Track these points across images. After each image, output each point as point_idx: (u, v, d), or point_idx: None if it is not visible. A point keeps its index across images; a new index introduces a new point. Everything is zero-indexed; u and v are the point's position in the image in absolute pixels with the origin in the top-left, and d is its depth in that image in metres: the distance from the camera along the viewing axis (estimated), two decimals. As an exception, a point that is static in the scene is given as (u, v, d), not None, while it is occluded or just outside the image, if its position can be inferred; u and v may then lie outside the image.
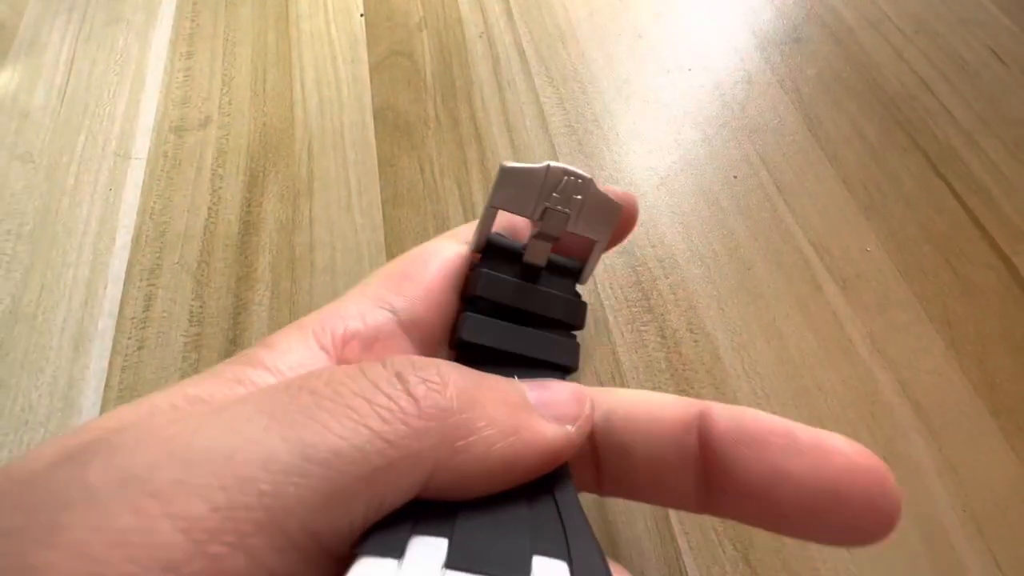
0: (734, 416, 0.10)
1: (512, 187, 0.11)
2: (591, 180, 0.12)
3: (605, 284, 0.24)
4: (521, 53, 0.32)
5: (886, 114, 0.29)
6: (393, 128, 0.30)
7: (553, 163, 0.12)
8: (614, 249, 0.25)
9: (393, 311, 0.11)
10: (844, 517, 0.08)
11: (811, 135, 0.28)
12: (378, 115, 0.30)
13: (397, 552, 0.07)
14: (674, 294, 0.24)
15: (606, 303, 0.24)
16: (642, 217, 0.26)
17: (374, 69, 0.32)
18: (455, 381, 0.08)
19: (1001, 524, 0.19)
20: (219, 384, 0.09)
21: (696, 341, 0.23)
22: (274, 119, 0.31)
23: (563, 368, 0.12)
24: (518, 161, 0.12)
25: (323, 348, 0.11)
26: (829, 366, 0.22)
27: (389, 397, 0.08)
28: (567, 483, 0.09)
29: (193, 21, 0.36)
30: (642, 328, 0.23)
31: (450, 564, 0.07)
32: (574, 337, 0.13)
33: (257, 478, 0.06)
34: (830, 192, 0.26)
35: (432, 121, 0.30)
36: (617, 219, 0.12)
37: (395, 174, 0.28)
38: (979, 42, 0.31)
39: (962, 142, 0.27)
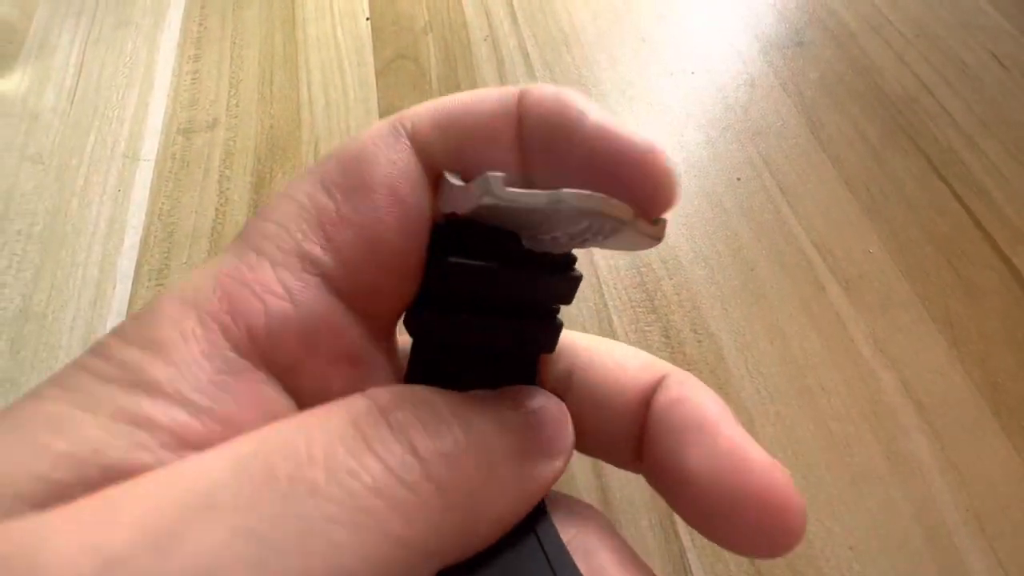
0: (672, 401, 0.09)
1: (486, 213, 0.08)
2: (633, 221, 0.08)
3: (609, 285, 0.24)
4: (525, 56, 0.32)
5: (888, 117, 0.29)
6: (399, 130, 0.30)
7: (566, 192, 0.07)
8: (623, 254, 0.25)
9: (324, 276, 0.08)
10: (746, 528, 0.08)
11: (814, 137, 0.28)
12: (384, 117, 0.31)
13: None
14: (678, 295, 0.24)
15: (610, 304, 0.24)
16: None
17: (380, 72, 0.33)
18: (472, 444, 0.07)
19: (1003, 522, 0.19)
20: (102, 432, 0.06)
21: (700, 341, 0.23)
22: (281, 121, 0.31)
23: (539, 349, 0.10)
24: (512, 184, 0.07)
25: (237, 349, 0.07)
26: (832, 366, 0.22)
27: (410, 488, 0.06)
28: (546, 518, 0.08)
29: (201, 24, 0.36)
30: (646, 328, 0.23)
31: None
32: (554, 316, 0.10)
33: None
34: (833, 194, 0.26)
35: (437, 123, 0.30)
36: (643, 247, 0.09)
37: (401, 175, 0.29)
38: (980, 46, 0.31)
39: (963, 144, 0.28)
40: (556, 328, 0.10)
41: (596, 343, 0.10)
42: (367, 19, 0.35)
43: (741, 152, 0.28)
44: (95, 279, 0.27)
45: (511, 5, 0.35)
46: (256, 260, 0.08)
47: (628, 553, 0.09)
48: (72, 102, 0.33)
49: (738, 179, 0.27)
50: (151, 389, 0.07)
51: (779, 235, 0.25)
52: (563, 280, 0.09)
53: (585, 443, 0.10)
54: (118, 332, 0.07)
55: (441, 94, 0.32)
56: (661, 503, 0.19)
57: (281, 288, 0.07)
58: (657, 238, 0.09)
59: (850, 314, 0.23)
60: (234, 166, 0.30)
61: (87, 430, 0.06)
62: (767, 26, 0.33)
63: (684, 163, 0.28)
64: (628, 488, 0.20)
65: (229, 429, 0.07)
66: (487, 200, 0.07)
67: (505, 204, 0.07)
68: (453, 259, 0.08)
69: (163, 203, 0.29)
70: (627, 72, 0.31)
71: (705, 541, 0.19)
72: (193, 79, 0.33)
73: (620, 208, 0.07)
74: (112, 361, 0.07)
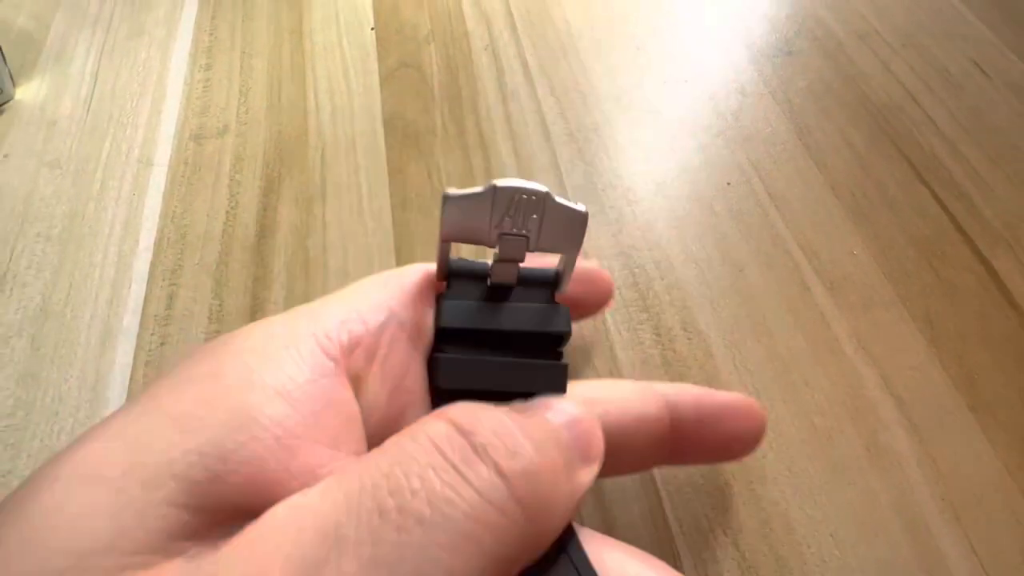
0: (693, 402, 0.12)
1: (460, 217, 0.10)
2: (547, 194, 0.10)
3: (603, 285, 0.25)
4: (524, 65, 0.34)
5: (873, 123, 0.30)
6: (402, 136, 0.31)
7: (500, 182, 0.10)
8: (615, 260, 0.26)
9: (391, 312, 0.11)
10: (739, 446, 0.12)
11: (801, 144, 0.29)
12: (388, 124, 0.32)
13: None
14: (669, 294, 0.25)
15: (604, 303, 0.25)
16: (639, 221, 0.27)
17: (384, 80, 0.34)
18: (542, 458, 0.08)
19: (977, 512, 0.20)
20: (224, 428, 0.08)
21: (690, 339, 0.24)
22: (289, 128, 0.32)
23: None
24: (468, 187, 0.10)
25: (330, 357, 0.09)
26: (816, 363, 0.23)
27: (500, 510, 0.07)
28: (574, 537, 0.09)
29: (211, 35, 0.37)
30: (638, 327, 0.24)
31: None
32: (560, 356, 0.12)
33: None
34: (819, 198, 0.27)
35: (439, 130, 0.31)
36: (584, 227, 0.11)
37: (404, 180, 0.30)
38: (963, 55, 0.32)
39: (945, 151, 0.29)
40: (560, 367, 0.12)
41: (599, 385, 0.13)
42: (372, 29, 0.37)
43: (731, 158, 0.29)
44: (111, 279, 0.28)
45: (511, 16, 0.36)
46: (335, 303, 0.11)
47: (633, 548, 0.11)
48: (88, 109, 0.34)
49: (728, 184, 0.28)
50: (262, 390, 0.08)
51: (767, 238, 0.26)
52: (545, 302, 0.12)
53: (615, 467, 0.12)
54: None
55: (443, 101, 0.33)
56: (651, 492, 0.20)
57: (356, 316, 0.10)
58: (581, 211, 0.11)
59: (834, 313, 0.24)
60: (244, 171, 0.31)
61: (212, 427, 0.08)
62: (758, 36, 0.34)
63: (676, 168, 0.29)
64: (620, 478, 0.21)
65: (319, 423, 0.09)
66: (451, 192, 0.10)
67: (462, 195, 0.11)
68: (447, 299, 0.12)
69: (176, 206, 0.30)
70: (623, 80, 0.33)
71: (693, 528, 0.20)
72: (204, 87, 0.35)
73: (536, 185, 0.10)
74: (217, 355, 0.09)
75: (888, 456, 0.21)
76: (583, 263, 0.12)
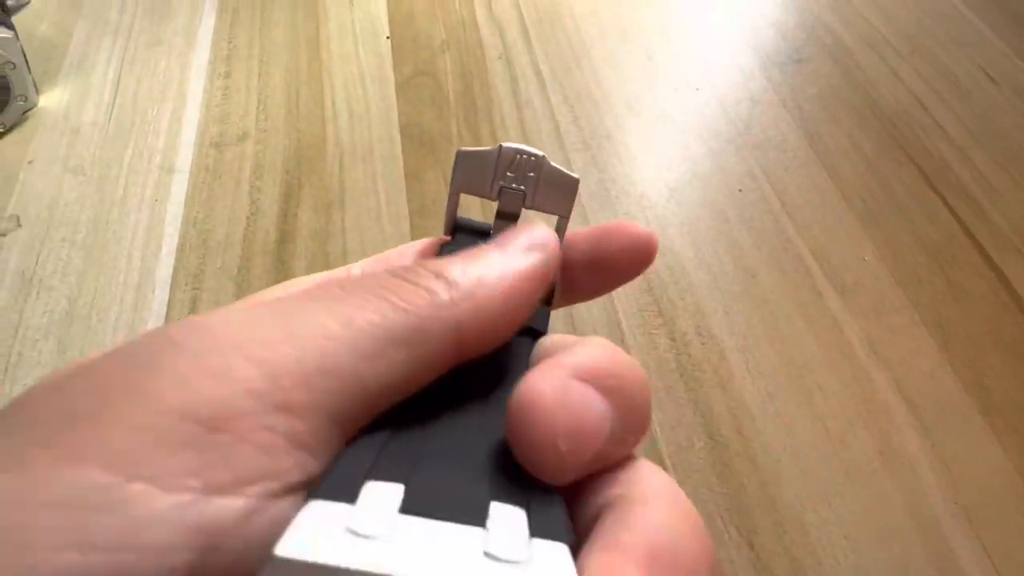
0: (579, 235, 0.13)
1: (469, 170, 0.12)
2: (543, 157, 0.12)
3: (618, 291, 0.26)
4: (538, 73, 0.34)
5: (882, 130, 0.30)
6: (419, 144, 0.32)
7: (505, 144, 0.12)
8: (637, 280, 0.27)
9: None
10: (628, 262, 0.12)
11: (811, 150, 0.30)
12: (404, 131, 0.33)
13: (350, 496, 0.07)
14: (683, 299, 0.25)
15: (619, 308, 0.25)
16: (652, 227, 0.28)
17: (400, 88, 0.34)
18: (469, 273, 0.09)
19: (988, 513, 0.20)
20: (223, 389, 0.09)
21: (704, 343, 0.24)
22: (307, 135, 0.33)
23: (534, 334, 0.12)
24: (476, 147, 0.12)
25: None
26: (829, 367, 0.23)
27: (427, 290, 0.09)
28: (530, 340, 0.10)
29: (230, 43, 0.38)
30: (653, 331, 0.25)
31: (404, 509, 0.06)
32: (546, 308, 0.13)
33: (317, 336, 0.08)
34: (829, 204, 0.28)
35: (455, 137, 0.32)
36: (575, 192, 0.13)
37: (421, 187, 0.30)
38: (971, 62, 0.32)
39: (954, 156, 0.29)
40: (544, 312, 0.12)
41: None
42: (387, 37, 0.37)
43: (742, 164, 0.30)
44: (135, 283, 0.28)
45: (524, 25, 0.37)
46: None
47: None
48: (110, 117, 0.35)
49: (739, 190, 0.29)
50: None
51: (778, 243, 0.27)
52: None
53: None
54: None
55: (458, 109, 0.33)
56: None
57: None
58: (573, 177, 0.12)
59: (846, 318, 0.25)
60: (264, 177, 0.32)
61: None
62: (768, 44, 0.35)
63: (688, 175, 0.29)
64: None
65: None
66: (463, 149, 0.12)
67: (472, 151, 0.12)
68: (448, 247, 0.12)
69: (198, 212, 0.31)
70: (634, 88, 0.33)
71: (707, 527, 0.20)
72: (224, 95, 0.35)
73: (535, 149, 0.12)
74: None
75: (901, 459, 0.21)
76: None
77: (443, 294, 0.09)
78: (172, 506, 0.07)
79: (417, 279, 0.09)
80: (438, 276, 0.09)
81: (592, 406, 0.08)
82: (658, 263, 0.27)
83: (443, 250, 0.13)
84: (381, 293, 0.09)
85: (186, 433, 0.07)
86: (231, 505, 0.07)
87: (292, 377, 0.08)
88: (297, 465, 0.07)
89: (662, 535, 0.08)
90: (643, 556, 0.07)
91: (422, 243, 0.13)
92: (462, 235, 0.13)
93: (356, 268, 0.12)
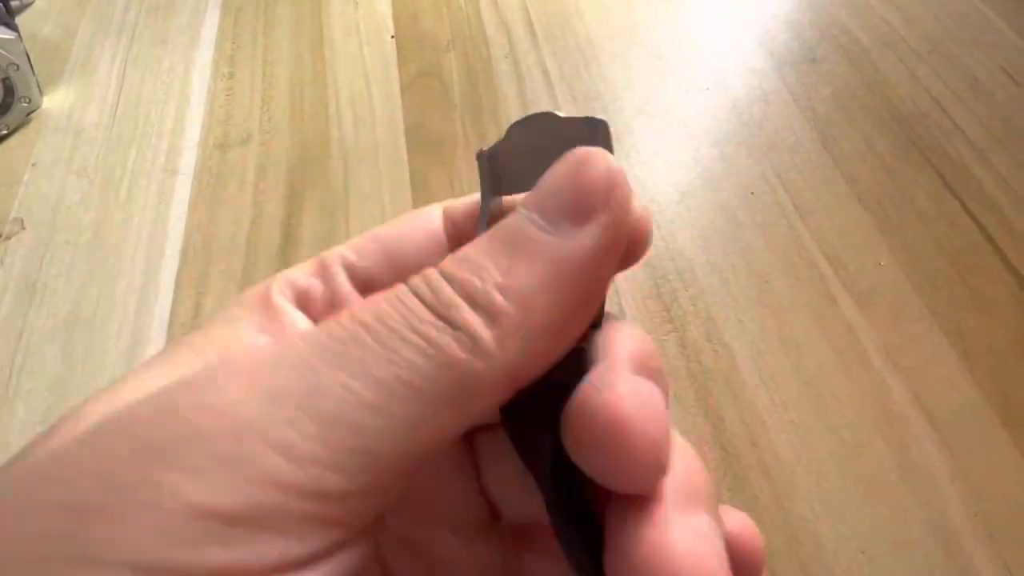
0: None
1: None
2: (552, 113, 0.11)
3: (627, 296, 0.25)
4: (545, 73, 0.34)
5: (900, 132, 0.30)
6: (424, 145, 0.31)
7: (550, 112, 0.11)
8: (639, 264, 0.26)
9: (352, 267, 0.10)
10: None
11: (826, 153, 0.29)
12: (409, 133, 0.32)
13: None
14: (694, 306, 0.25)
15: (628, 314, 0.25)
16: (662, 231, 0.27)
17: (405, 88, 0.34)
18: (517, 288, 0.07)
19: (1011, 529, 0.19)
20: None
21: (715, 351, 0.24)
22: (311, 136, 0.33)
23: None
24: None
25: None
26: (844, 376, 0.23)
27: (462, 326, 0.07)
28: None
29: (233, 43, 0.38)
30: (663, 338, 0.24)
31: None
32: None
33: (342, 407, 0.07)
34: (845, 208, 0.27)
35: (461, 138, 0.31)
36: (609, 138, 0.10)
37: (426, 189, 0.30)
38: (992, 62, 0.32)
39: (974, 160, 0.28)
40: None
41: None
42: (392, 37, 0.37)
43: (755, 167, 0.29)
44: (139, 287, 0.28)
45: (530, 24, 0.36)
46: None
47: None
48: (114, 118, 0.35)
49: (752, 193, 0.28)
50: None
51: (792, 248, 0.26)
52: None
53: None
54: None
55: (464, 110, 0.33)
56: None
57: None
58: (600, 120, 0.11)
59: (862, 326, 0.24)
60: (268, 179, 0.31)
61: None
62: (780, 43, 0.34)
63: (699, 178, 0.29)
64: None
65: None
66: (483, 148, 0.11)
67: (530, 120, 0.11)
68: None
69: (201, 215, 0.30)
70: (644, 89, 0.32)
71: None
72: (227, 96, 0.35)
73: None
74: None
75: (920, 472, 0.21)
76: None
77: (487, 339, 0.07)
78: None
79: (449, 312, 0.07)
80: (474, 304, 0.07)
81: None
82: (668, 268, 0.26)
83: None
84: (410, 340, 0.07)
85: (209, 529, 0.06)
86: None
87: (321, 463, 0.07)
88: (330, 541, 0.07)
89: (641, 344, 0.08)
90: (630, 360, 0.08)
91: (427, 215, 0.11)
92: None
93: (343, 249, 0.11)
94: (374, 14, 0.38)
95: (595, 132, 0.10)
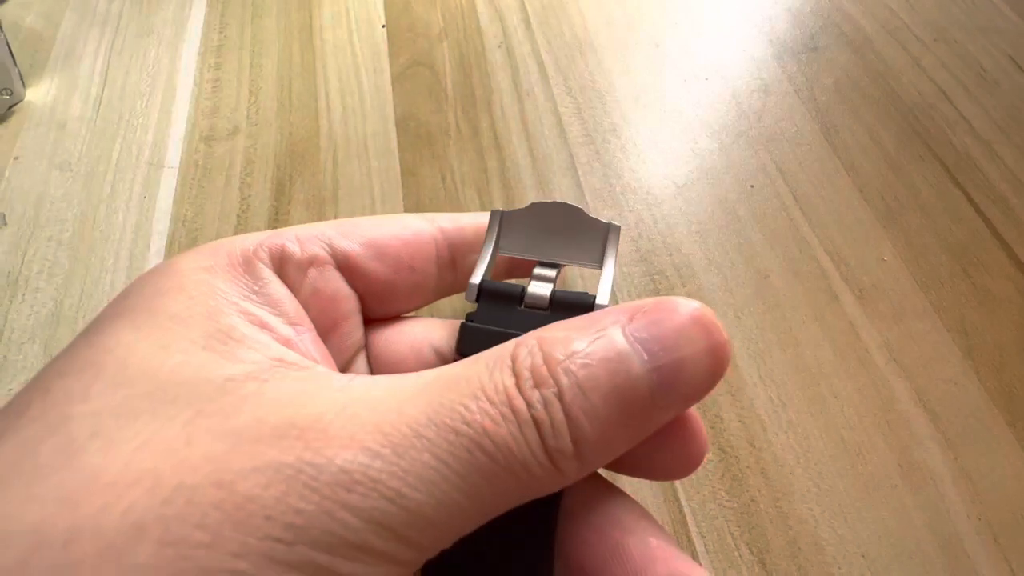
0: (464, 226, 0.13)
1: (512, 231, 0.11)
2: (580, 208, 0.11)
3: (623, 293, 0.25)
4: (540, 63, 0.33)
5: (903, 123, 0.29)
6: (415, 137, 0.31)
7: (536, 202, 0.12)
8: (635, 261, 0.25)
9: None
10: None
11: (828, 144, 0.28)
12: (400, 124, 0.31)
13: None
14: (691, 302, 0.24)
15: (624, 311, 0.24)
16: (659, 226, 0.27)
17: (396, 79, 0.33)
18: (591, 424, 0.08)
19: (1017, 532, 0.19)
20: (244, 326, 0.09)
21: (713, 349, 0.23)
22: (300, 128, 0.32)
23: None
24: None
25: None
26: (845, 374, 0.22)
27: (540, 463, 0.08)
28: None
29: (221, 33, 0.37)
30: (660, 335, 0.24)
31: None
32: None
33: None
34: (847, 201, 0.27)
35: (453, 131, 0.31)
36: (617, 240, 0.12)
37: (417, 183, 0.29)
38: (998, 50, 0.31)
39: (980, 151, 0.27)
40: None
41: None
42: (383, 26, 0.36)
43: (755, 159, 0.28)
44: (123, 283, 0.28)
45: (525, 12, 0.35)
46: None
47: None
48: (98, 110, 0.34)
49: (751, 186, 0.27)
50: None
51: (792, 243, 0.25)
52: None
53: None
54: None
55: (456, 101, 0.32)
56: (675, 508, 0.20)
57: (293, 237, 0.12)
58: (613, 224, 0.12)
59: (863, 323, 0.23)
60: (255, 173, 0.30)
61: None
62: (781, 31, 0.33)
63: (697, 170, 0.28)
64: (641, 494, 0.20)
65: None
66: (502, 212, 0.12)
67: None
68: (469, 321, 0.11)
69: (187, 209, 0.30)
70: (641, 78, 0.32)
71: (718, 546, 0.19)
72: (214, 87, 0.34)
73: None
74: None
75: (922, 473, 0.20)
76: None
77: (570, 471, 0.08)
78: None
79: (544, 451, 0.08)
80: (565, 451, 0.08)
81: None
82: (665, 263, 0.25)
83: (462, 324, 0.11)
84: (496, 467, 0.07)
85: None
86: None
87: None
88: None
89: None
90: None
91: (414, 217, 0.11)
92: (489, 303, 0.11)
93: (325, 226, 0.11)
94: (364, 2, 0.37)
95: (608, 229, 0.11)
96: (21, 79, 0.34)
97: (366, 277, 0.11)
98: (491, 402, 0.08)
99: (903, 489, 0.20)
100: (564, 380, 0.08)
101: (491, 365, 0.08)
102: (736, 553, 0.19)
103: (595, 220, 0.12)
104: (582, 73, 0.32)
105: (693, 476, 0.20)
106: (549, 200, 0.12)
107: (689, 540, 0.19)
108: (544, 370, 0.08)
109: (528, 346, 0.08)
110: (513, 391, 0.08)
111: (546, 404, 0.08)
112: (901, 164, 0.27)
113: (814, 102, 0.30)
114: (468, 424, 0.07)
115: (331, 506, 0.07)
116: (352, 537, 0.07)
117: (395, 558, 0.07)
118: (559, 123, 0.30)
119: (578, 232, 0.11)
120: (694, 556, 0.19)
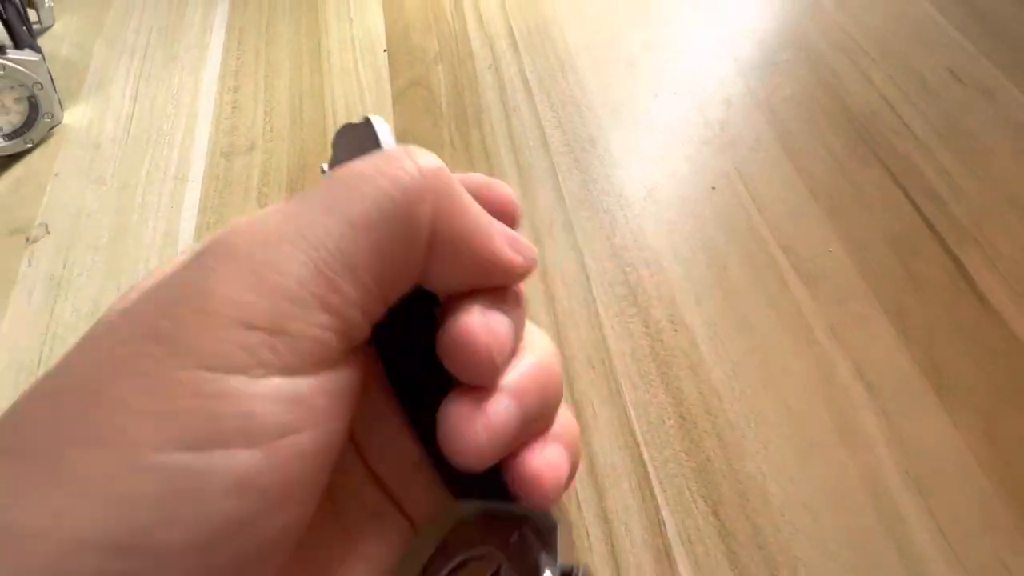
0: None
1: None
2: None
3: (596, 281, 0.28)
4: (525, 82, 0.36)
5: (852, 130, 0.32)
6: (413, 150, 0.34)
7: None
8: (610, 256, 0.28)
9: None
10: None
11: (783, 150, 0.32)
12: (400, 139, 0.35)
13: None
14: (657, 291, 0.27)
15: (597, 298, 0.27)
16: (631, 225, 0.30)
17: (396, 99, 0.37)
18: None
19: (937, 482, 0.22)
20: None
21: (676, 331, 0.26)
22: (310, 143, 0.35)
23: None
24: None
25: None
26: (793, 352, 0.25)
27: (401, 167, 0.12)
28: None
29: (238, 59, 0.41)
30: (629, 320, 0.27)
31: None
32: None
33: (326, 239, 0.11)
34: (798, 200, 0.30)
35: (447, 145, 0.34)
36: (386, 129, 0.16)
37: (415, 190, 0.32)
38: (939, 63, 0.34)
39: (920, 155, 0.31)
40: None
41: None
42: (384, 51, 0.40)
43: (717, 164, 0.31)
44: (154, 284, 0.31)
45: (513, 37, 0.39)
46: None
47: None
48: (128, 131, 0.38)
49: (713, 188, 0.30)
50: None
51: (749, 238, 0.29)
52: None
53: None
54: None
55: (450, 118, 0.36)
56: (640, 467, 0.23)
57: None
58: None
59: (811, 306, 0.26)
60: (270, 184, 0.34)
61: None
62: (745, 50, 0.36)
63: (666, 175, 0.31)
64: (612, 455, 0.23)
65: None
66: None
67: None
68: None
69: (210, 218, 0.33)
70: (617, 94, 0.35)
71: (677, 500, 0.22)
72: (233, 108, 0.38)
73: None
74: None
75: (858, 435, 0.23)
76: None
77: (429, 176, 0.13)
78: (272, 386, 0.10)
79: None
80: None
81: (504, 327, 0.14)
82: (635, 257, 0.28)
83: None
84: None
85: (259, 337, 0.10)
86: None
87: (323, 282, 0.11)
88: (339, 348, 0.11)
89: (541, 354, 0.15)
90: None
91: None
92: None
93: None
94: (367, 30, 0.41)
95: (368, 125, 0.16)
96: (60, 104, 0.38)
97: None
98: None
99: (841, 449, 0.23)
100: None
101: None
102: (693, 505, 0.22)
103: (363, 124, 0.16)
104: (564, 90, 0.36)
105: (657, 440, 0.23)
106: (343, 126, 0.17)
107: (652, 494, 0.22)
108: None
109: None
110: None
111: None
112: (848, 167, 0.31)
113: (772, 113, 0.33)
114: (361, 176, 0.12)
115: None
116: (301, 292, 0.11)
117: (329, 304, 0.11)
118: (542, 135, 0.34)
119: (359, 138, 0.16)
120: (656, 507, 0.22)
